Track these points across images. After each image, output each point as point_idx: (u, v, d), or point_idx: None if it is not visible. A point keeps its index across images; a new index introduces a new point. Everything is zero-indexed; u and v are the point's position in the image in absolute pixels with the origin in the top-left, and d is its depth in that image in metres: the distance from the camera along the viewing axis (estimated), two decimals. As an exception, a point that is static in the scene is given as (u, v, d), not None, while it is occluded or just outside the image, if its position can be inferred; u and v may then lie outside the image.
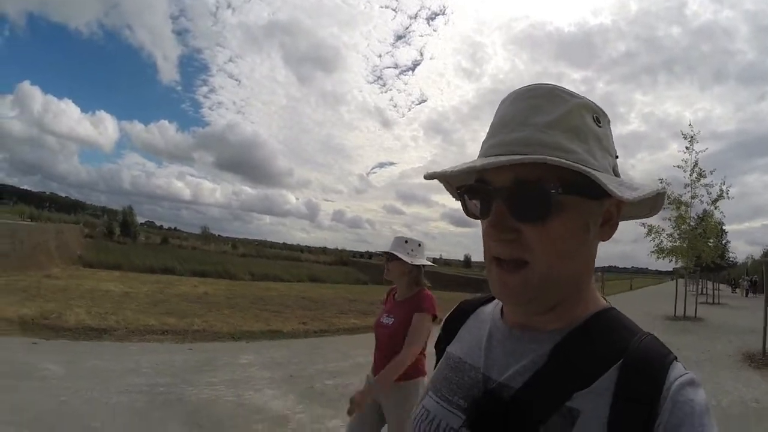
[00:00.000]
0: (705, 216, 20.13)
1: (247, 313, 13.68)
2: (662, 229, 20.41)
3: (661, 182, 18.74)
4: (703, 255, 20.40)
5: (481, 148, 0.77)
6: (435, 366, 0.97)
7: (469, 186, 0.78)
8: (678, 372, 0.67)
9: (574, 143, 0.71)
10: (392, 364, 2.88)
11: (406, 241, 3.23)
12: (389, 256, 3.19)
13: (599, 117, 0.77)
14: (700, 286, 25.84)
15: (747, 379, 8.22)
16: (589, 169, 0.65)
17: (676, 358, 0.70)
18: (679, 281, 24.96)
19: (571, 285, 0.75)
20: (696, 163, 18.83)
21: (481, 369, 0.81)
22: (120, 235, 62.95)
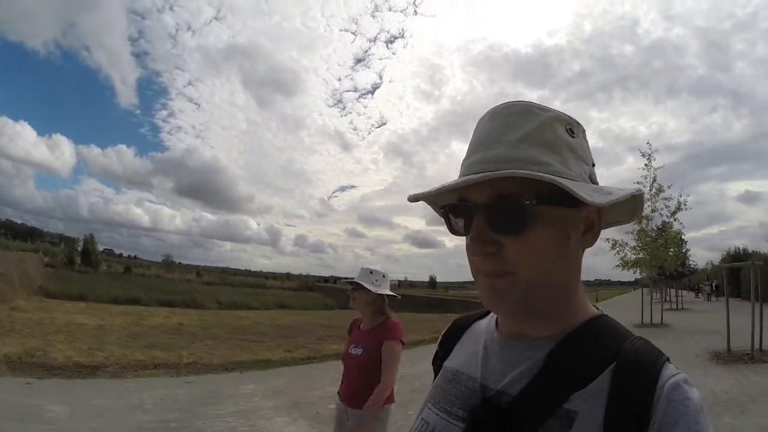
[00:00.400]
0: (664, 227, 20.86)
1: (229, 343, 13.79)
2: (625, 243, 21.34)
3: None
4: (665, 264, 21.39)
5: (461, 166, 0.80)
6: (433, 381, 0.98)
7: (451, 205, 0.81)
8: (671, 372, 0.68)
9: (547, 156, 0.73)
10: (378, 391, 2.97)
11: (371, 272, 3.32)
12: (355, 286, 3.27)
13: (573, 128, 0.80)
14: (663, 294, 26.37)
15: (715, 374, 8.82)
16: (557, 178, 0.68)
17: (668, 359, 0.71)
18: (644, 290, 25.89)
19: (557, 293, 0.77)
20: (654, 179, 19.59)
21: (479, 379, 0.82)
22: (81, 264, 61.95)
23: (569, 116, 0.80)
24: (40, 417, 5.94)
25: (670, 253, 21.27)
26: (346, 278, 3.44)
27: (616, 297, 59.88)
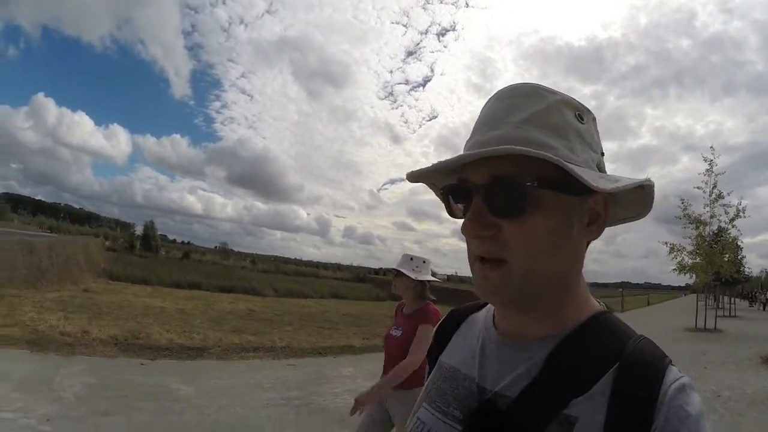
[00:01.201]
0: (720, 232, 21.10)
1: (308, 330, 14.28)
2: (683, 247, 21.64)
3: (698, 188, 20.22)
4: (721, 270, 21.55)
5: (464, 148, 0.77)
6: (427, 375, 0.97)
7: (450, 185, 0.78)
8: (673, 376, 0.66)
9: (551, 138, 0.70)
10: (396, 369, 3.10)
11: (411, 258, 3.45)
12: (396, 272, 3.41)
13: (582, 113, 0.76)
14: (717, 300, 26.23)
15: (763, 377, 9.59)
16: (560, 159, 0.64)
17: (671, 361, 0.69)
18: (697, 296, 26.03)
19: (555, 284, 0.74)
20: (715, 185, 19.88)
21: (476, 379, 0.80)
22: (141, 249, 63.27)
23: (579, 102, 0.77)
24: (171, 396, 6.34)
25: (726, 259, 21.44)
26: (391, 268, 3.56)
27: (668, 301, 58.94)
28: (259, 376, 7.96)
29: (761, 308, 37.37)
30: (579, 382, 0.67)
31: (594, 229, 0.75)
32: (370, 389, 3.10)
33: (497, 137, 0.70)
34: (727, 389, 8.24)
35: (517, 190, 0.68)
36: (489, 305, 0.92)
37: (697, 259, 21.45)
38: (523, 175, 0.68)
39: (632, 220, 0.85)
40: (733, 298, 34.73)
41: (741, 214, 19.71)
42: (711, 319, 21.11)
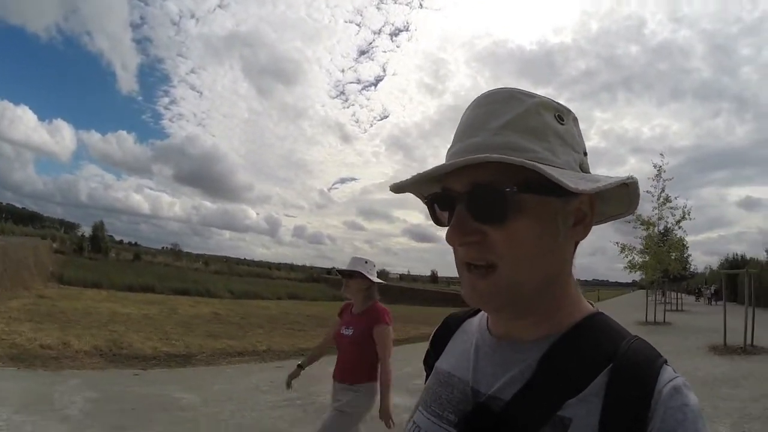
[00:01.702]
0: (667, 231, 22.46)
1: (280, 332, 14.39)
2: (633, 247, 22.99)
3: (648, 192, 20.98)
4: (669, 268, 22.98)
5: (446, 156, 0.78)
6: (425, 381, 0.96)
7: (434, 194, 0.78)
8: (668, 376, 0.65)
9: (531, 142, 0.70)
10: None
11: (366, 262, 3.57)
12: (352, 274, 3.52)
13: (562, 114, 0.76)
14: (665, 296, 27.38)
15: (714, 362, 10.88)
16: (536, 164, 0.64)
17: (666, 361, 0.68)
18: (645, 291, 27.26)
19: (545, 288, 0.73)
20: (663, 189, 21.16)
21: (470, 382, 0.79)
22: (90, 251, 61.44)
23: (558, 103, 0.77)
24: (178, 405, 6.33)
25: (673, 257, 22.69)
26: (340, 269, 3.70)
27: (617, 297, 61.92)
28: (254, 379, 7.99)
29: (707, 302, 38.60)
30: (572, 384, 0.67)
31: (580, 229, 0.75)
32: (385, 404, 3.29)
33: (476, 144, 0.71)
34: (683, 373, 8.97)
35: (497, 196, 0.68)
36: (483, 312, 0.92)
37: (647, 258, 22.78)
38: (503, 181, 0.68)
39: (620, 217, 0.86)
40: (679, 294, 36.55)
41: (687, 216, 21.01)
42: (660, 313, 22.18)
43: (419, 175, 0.71)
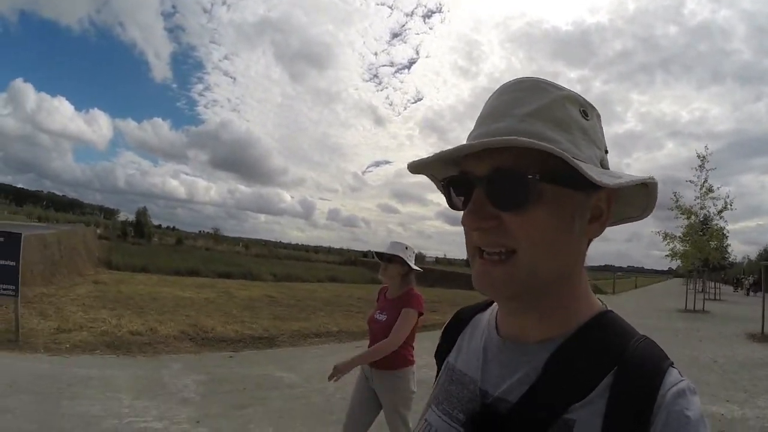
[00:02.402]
0: (706, 220, 22.57)
1: (340, 313, 14.60)
2: (675, 235, 23.16)
3: (690, 182, 21.41)
4: (709, 257, 23.19)
5: (467, 140, 0.75)
6: (436, 376, 0.96)
7: (451, 177, 0.77)
8: (673, 379, 0.64)
9: (555, 133, 0.69)
10: (375, 347, 3.24)
11: (406, 247, 3.46)
12: (391, 258, 3.41)
13: (586, 110, 0.75)
14: (704, 285, 27.35)
15: (752, 348, 11.68)
16: (563, 152, 0.62)
17: (672, 363, 0.67)
18: (682, 280, 27.44)
19: (557, 281, 0.72)
20: (706, 180, 21.41)
21: (479, 382, 0.79)
22: (134, 236, 61.93)
23: (584, 98, 0.76)
24: (283, 383, 6.63)
25: (713, 246, 22.88)
26: (378, 252, 3.52)
27: (654, 285, 60.36)
28: (342, 358, 8.20)
29: (746, 293, 37.58)
30: (578, 386, 0.66)
31: (596, 226, 0.74)
32: (350, 360, 3.22)
33: (501, 129, 0.70)
34: (721, 357, 10.20)
35: (519, 182, 0.67)
36: (494, 305, 0.90)
37: (687, 246, 22.94)
38: (526, 167, 0.66)
39: (634, 220, 0.85)
40: (717, 283, 35.78)
41: (729, 206, 21.14)
42: (699, 301, 22.54)
43: (441, 153, 0.70)
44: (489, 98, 0.78)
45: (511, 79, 0.77)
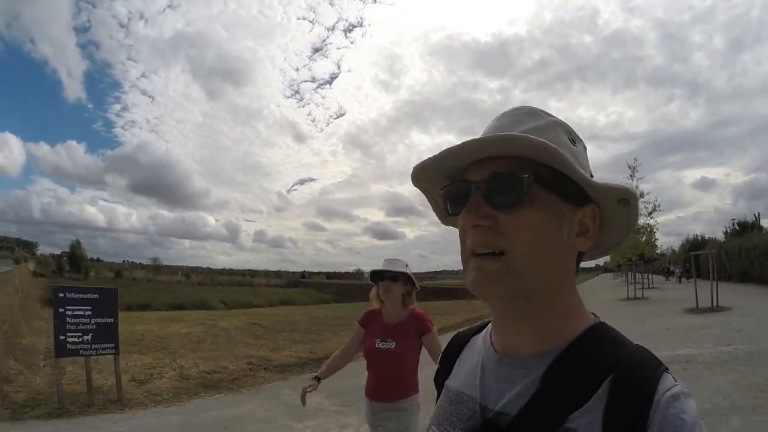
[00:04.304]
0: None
1: (342, 335, 14.18)
2: None
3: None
4: (644, 252, 26.52)
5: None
6: (436, 400, 0.96)
7: (450, 185, 0.79)
8: (668, 384, 0.65)
9: None
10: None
11: (407, 265, 3.13)
12: (396, 276, 3.05)
13: (574, 138, 0.80)
14: (635, 277, 29.14)
15: (691, 319, 14.41)
16: (558, 149, 0.67)
17: (666, 369, 0.68)
18: (611, 274, 30.42)
19: (548, 286, 0.73)
20: (637, 186, 23.89)
21: (478, 399, 0.79)
22: (69, 271, 58.82)
23: (571, 128, 0.81)
24: None
25: (643, 240, 25.67)
26: (378, 270, 3.15)
27: (588, 281, 65.10)
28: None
29: (678, 281, 39.30)
30: (576, 396, 0.67)
31: (582, 241, 0.76)
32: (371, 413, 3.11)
33: None
34: (671, 326, 13.00)
35: (514, 182, 0.70)
36: (488, 326, 0.91)
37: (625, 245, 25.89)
38: (521, 169, 0.69)
39: (615, 248, 0.88)
40: (648, 274, 37.98)
41: (657, 208, 24.72)
42: (638, 291, 25.33)
43: (449, 148, 0.72)
44: (490, 123, 0.83)
45: (510, 108, 0.83)
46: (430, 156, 0.75)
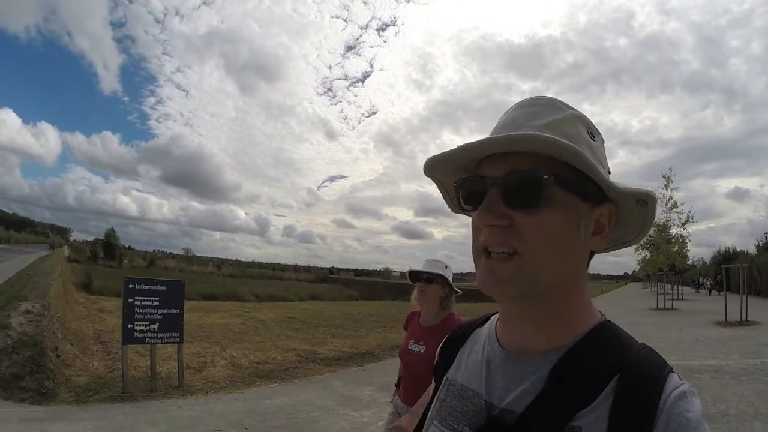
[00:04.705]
0: (665, 227, 25.36)
1: (382, 329, 15.54)
2: (645, 244, 26.40)
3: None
4: (676, 262, 26.56)
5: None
6: (433, 393, 0.95)
7: (465, 179, 0.77)
8: (674, 384, 0.66)
9: None
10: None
11: (446, 266, 3.04)
12: (431, 278, 2.97)
13: (593, 132, 0.78)
14: (665, 287, 29.58)
15: (720, 331, 14.69)
16: (580, 151, 0.66)
17: (672, 369, 0.69)
18: (639, 283, 30.51)
19: (560, 286, 0.73)
20: (671, 197, 24.18)
21: (483, 395, 0.79)
22: (103, 258, 58.69)
23: (590, 121, 0.79)
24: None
25: (675, 250, 25.82)
26: (415, 271, 3.06)
27: (616, 290, 65.73)
28: None
29: (708, 293, 38.56)
30: (583, 395, 0.67)
31: (598, 239, 0.75)
32: (412, 413, 3.07)
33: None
34: (701, 337, 13.24)
35: (534, 182, 0.68)
36: (491, 319, 0.91)
37: (655, 254, 26.38)
38: (541, 170, 0.68)
39: (628, 245, 0.87)
40: (677, 285, 37.96)
41: (691, 219, 24.41)
42: (667, 301, 25.29)
43: (467, 144, 0.71)
44: (505, 112, 0.80)
45: (527, 97, 0.80)
46: (446, 150, 0.75)
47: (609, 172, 0.79)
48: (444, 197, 0.89)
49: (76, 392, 7.03)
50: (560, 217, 0.70)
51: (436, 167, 0.81)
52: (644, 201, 0.74)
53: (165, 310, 7.74)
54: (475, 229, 0.76)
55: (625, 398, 0.65)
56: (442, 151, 0.75)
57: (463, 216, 0.84)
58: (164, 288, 7.88)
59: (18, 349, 7.46)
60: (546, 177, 0.68)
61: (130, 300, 7.47)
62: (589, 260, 0.79)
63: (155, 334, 7.62)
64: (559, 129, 0.72)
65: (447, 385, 0.90)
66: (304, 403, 6.89)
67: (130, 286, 7.58)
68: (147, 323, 7.53)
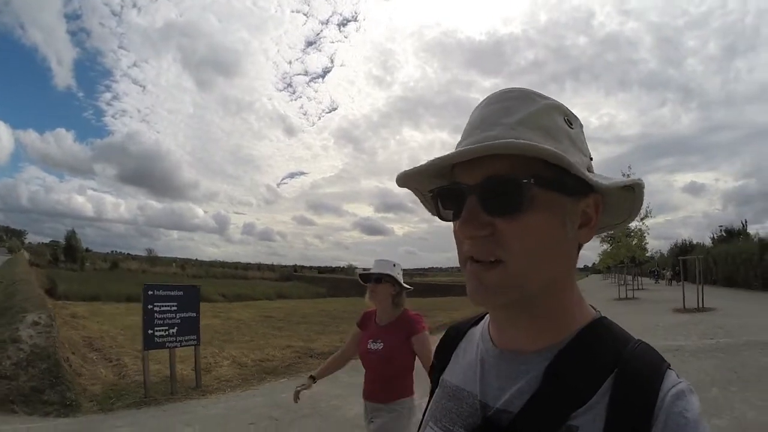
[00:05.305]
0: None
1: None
2: (606, 237, 27.77)
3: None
4: (636, 255, 28.10)
5: (456, 149, 0.71)
6: (430, 395, 0.94)
7: (441, 188, 0.74)
8: (672, 381, 0.64)
9: (545, 140, 0.67)
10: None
11: (394, 265, 3.08)
12: (380, 278, 3.02)
13: (570, 119, 0.74)
14: (625, 279, 30.65)
15: (679, 317, 15.93)
16: (560, 154, 0.62)
17: (669, 366, 0.67)
18: (599, 276, 32.03)
19: (550, 287, 0.71)
20: None
21: (478, 396, 0.77)
22: (65, 262, 57.23)
23: (567, 107, 0.75)
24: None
25: (634, 243, 27.25)
26: (364, 273, 3.15)
27: (579, 281, 63.65)
28: None
29: (668, 283, 40.06)
30: (579, 393, 0.66)
31: (585, 232, 0.73)
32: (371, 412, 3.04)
33: (492, 138, 0.67)
34: (661, 323, 14.41)
35: (514, 187, 0.65)
36: (485, 318, 0.89)
37: (621, 248, 27.66)
38: (520, 173, 0.65)
39: (619, 227, 0.85)
40: (637, 276, 39.42)
41: (649, 214, 26.24)
42: (629, 292, 26.81)
43: (435, 159, 0.68)
44: (476, 108, 0.76)
45: (499, 90, 0.76)
46: (415, 167, 0.72)
47: (591, 159, 0.77)
48: (423, 203, 0.85)
49: (96, 401, 7.16)
50: (544, 218, 0.67)
51: (408, 181, 0.78)
52: (631, 187, 0.73)
53: (183, 315, 7.98)
54: (458, 240, 0.74)
55: (622, 397, 0.64)
56: (410, 169, 0.74)
57: (424, 212, 0.85)
58: (181, 293, 8.17)
59: (33, 362, 7.60)
60: (526, 181, 0.65)
61: (149, 306, 7.63)
62: (578, 253, 0.76)
63: (174, 338, 7.84)
64: (534, 122, 0.69)
65: (441, 387, 0.89)
66: (320, 393, 6.98)
67: (150, 292, 7.77)
68: (166, 328, 7.78)
